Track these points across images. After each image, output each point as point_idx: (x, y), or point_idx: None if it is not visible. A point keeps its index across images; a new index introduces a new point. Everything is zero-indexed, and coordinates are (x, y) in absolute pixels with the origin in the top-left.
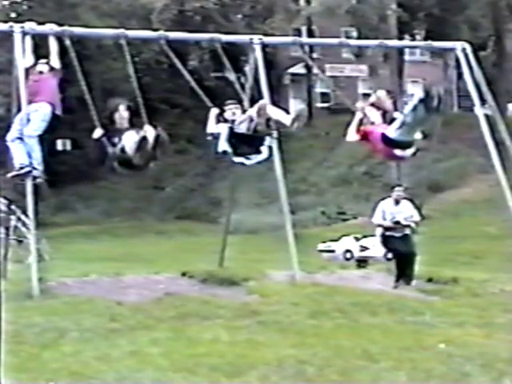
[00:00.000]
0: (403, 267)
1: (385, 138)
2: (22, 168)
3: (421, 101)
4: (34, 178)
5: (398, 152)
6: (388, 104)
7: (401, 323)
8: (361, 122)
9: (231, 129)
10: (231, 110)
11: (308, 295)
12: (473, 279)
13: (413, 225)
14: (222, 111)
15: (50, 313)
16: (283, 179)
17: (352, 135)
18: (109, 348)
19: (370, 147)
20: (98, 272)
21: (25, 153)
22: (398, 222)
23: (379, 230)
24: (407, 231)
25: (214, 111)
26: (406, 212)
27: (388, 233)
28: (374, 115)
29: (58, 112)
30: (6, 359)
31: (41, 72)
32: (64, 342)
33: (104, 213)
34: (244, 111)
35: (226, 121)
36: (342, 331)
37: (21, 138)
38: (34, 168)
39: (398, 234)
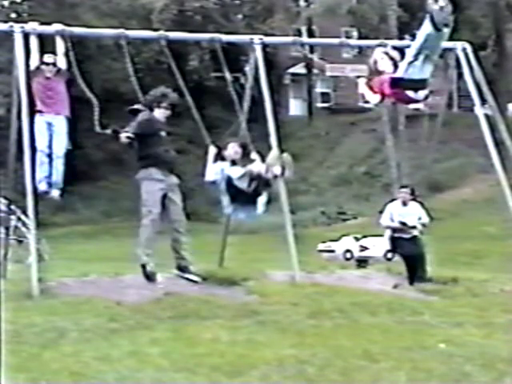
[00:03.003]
0: (414, 269)
1: (394, 81)
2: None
3: (431, 19)
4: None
5: (410, 94)
6: (395, 54)
7: (401, 323)
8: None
9: (229, 180)
10: (233, 149)
11: (308, 295)
12: (473, 279)
13: (420, 227)
14: (219, 149)
15: (50, 313)
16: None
17: (371, 96)
18: (109, 348)
19: (381, 96)
20: (98, 272)
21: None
22: (404, 224)
23: (388, 233)
24: (415, 233)
25: (213, 150)
26: (414, 213)
27: (396, 234)
28: (386, 64)
29: (68, 115)
30: (6, 359)
31: (48, 78)
32: (64, 342)
33: (104, 213)
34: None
35: (223, 159)
36: (342, 331)
37: (49, 155)
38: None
39: (406, 236)
